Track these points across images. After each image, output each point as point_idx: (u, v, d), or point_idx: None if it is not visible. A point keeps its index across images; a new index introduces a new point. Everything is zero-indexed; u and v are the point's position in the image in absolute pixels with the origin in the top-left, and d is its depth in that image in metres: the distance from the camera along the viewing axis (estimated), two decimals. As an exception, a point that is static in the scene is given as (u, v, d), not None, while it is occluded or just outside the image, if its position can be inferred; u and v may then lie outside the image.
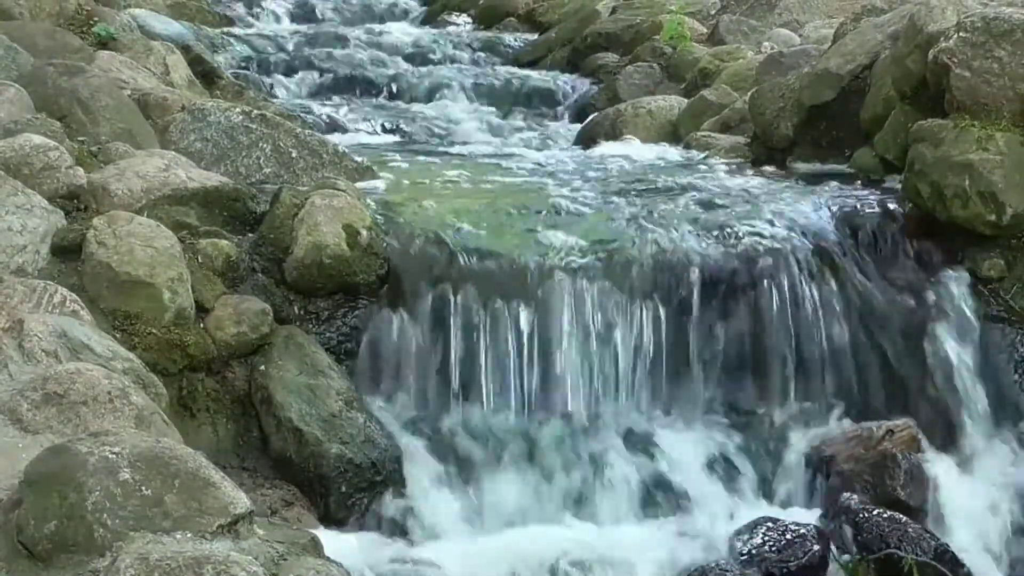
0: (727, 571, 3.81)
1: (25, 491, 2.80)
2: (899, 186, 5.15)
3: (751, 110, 6.23)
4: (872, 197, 5.18)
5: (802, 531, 3.96)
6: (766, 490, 4.42)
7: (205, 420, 4.16)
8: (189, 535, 2.74)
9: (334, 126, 7.46)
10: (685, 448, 4.44)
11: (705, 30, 9.02)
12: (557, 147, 7.06)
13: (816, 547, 3.91)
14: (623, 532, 4.13)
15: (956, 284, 4.81)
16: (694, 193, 5.26)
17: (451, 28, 11.12)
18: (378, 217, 4.68)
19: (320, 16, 11.32)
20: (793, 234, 4.83)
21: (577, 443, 4.38)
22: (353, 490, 4.05)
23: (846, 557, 4.01)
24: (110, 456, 2.81)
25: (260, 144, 5.32)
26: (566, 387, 4.47)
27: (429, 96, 8.50)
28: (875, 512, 4.11)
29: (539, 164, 6.09)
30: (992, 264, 4.82)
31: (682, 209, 5.01)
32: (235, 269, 4.40)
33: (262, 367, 4.21)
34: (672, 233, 4.77)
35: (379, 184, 5.32)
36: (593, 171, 5.84)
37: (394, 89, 8.63)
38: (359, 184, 5.05)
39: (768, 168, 5.89)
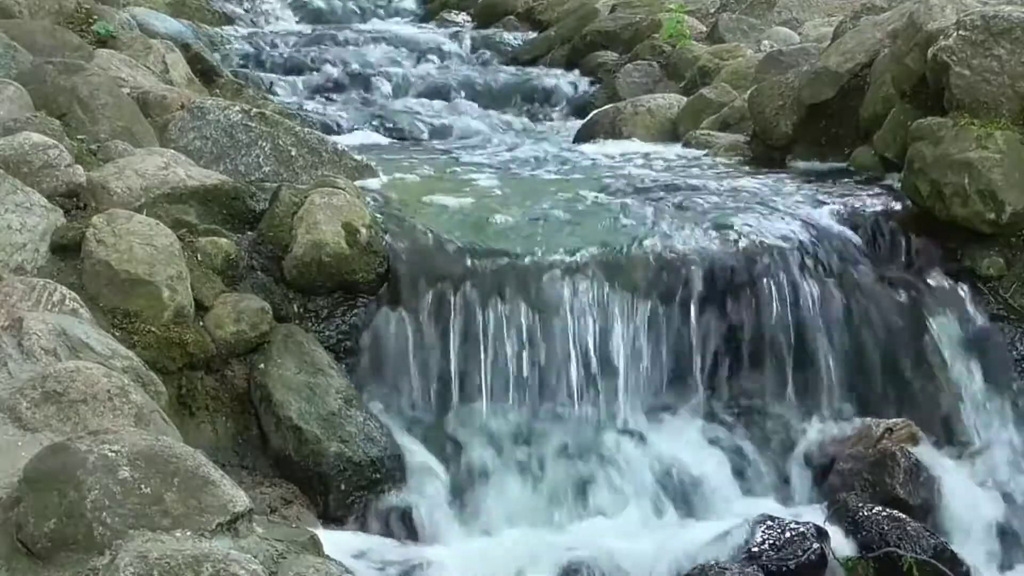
0: (726, 569, 3.81)
1: (24, 489, 2.80)
2: (898, 184, 5.15)
3: (750, 108, 6.23)
4: (871, 195, 5.18)
5: (801, 529, 3.96)
6: (765, 488, 4.42)
7: (204, 418, 4.16)
8: (188, 533, 2.74)
9: (333, 124, 7.46)
10: (685, 447, 4.44)
11: (704, 28, 9.03)
12: (556, 145, 7.06)
13: (815, 545, 3.91)
14: (623, 531, 4.13)
15: (955, 282, 4.81)
16: (693, 191, 5.26)
17: (450, 27, 11.11)
18: (378, 215, 4.68)
19: (319, 14, 11.32)
20: (792, 232, 4.83)
21: (577, 442, 4.38)
22: (352, 488, 4.05)
23: (845, 555, 4.01)
24: (109, 454, 2.81)
25: (259, 142, 5.32)
26: (566, 386, 4.47)
27: (428, 94, 8.51)
28: (874, 510, 4.11)
29: (538, 162, 6.09)
30: (991, 262, 4.82)
31: (681, 207, 5.01)
32: (234, 267, 4.40)
33: (261, 365, 4.21)
34: (672, 231, 4.77)
35: (378, 182, 5.32)
36: (592, 169, 5.84)
37: (393, 87, 8.64)
38: (358, 182, 5.04)
39: (767, 166, 5.89)
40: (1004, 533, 4.37)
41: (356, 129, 7.55)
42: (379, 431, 4.16)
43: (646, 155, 6.30)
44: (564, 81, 8.81)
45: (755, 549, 3.90)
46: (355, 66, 8.92)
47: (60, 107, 5.07)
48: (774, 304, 4.65)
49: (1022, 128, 4.82)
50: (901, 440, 4.41)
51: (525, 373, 4.45)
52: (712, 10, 9.57)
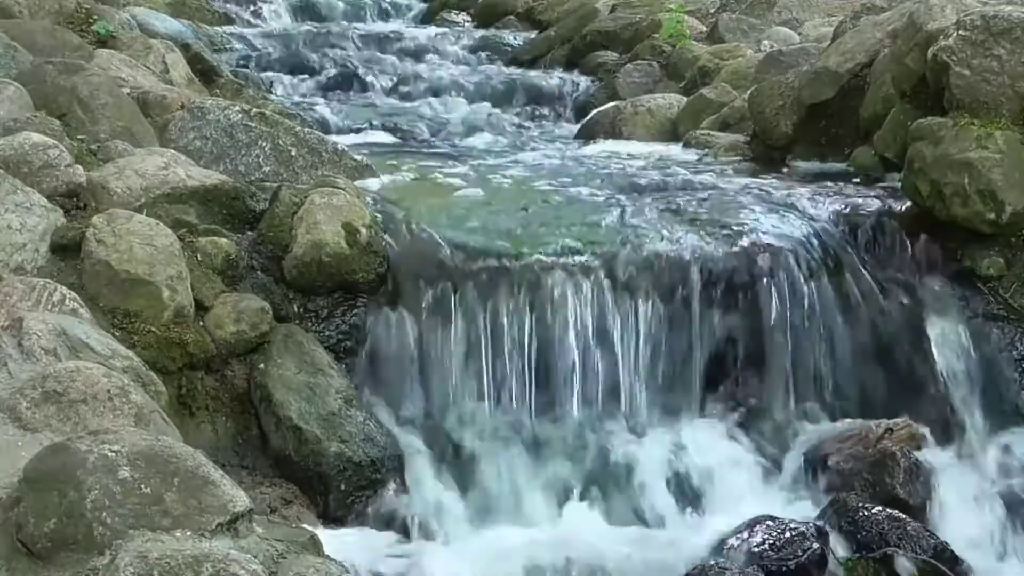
0: (726, 569, 3.81)
1: (24, 489, 2.80)
2: (898, 184, 5.15)
3: (750, 108, 6.23)
4: (871, 195, 5.19)
5: (801, 529, 3.96)
6: (765, 488, 4.42)
7: (204, 418, 4.16)
8: (188, 533, 2.74)
9: (333, 124, 7.46)
10: (684, 447, 4.44)
11: (704, 28, 9.03)
12: (556, 145, 7.06)
13: (815, 545, 3.91)
14: (622, 530, 4.13)
15: (955, 282, 4.81)
16: (694, 191, 5.26)
17: (450, 26, 11.11)
18: (377, 215, 4.68)
19: (319, 14, 11.32)
20: (792, 233, 4.83)
21: (577, 442, 4.38)
22: (352, 488, 4.05)
23: (845, 555, 4.01)
24: (109, 454, 2.81)
25: (259, 142, 5.32)
26: (566, 386, 4.47)
27: (428, 94, 8.50)
28: (874, 510, 4.11)
29: (538, 163, 6.09)
30: (991, 262, 4.82)
31: (682, 207, 5.01)
32: (234, 267, 4.40)
33: (261, 365, 4.21)
34: (672, 232, 4.77)
35: (378, 182, 5.32)
36: (593, 170, 5.84)
37: (393, 87, 8.64)
38: (358, 182, 5.04)
39: (767, 166, 5.89)
40: (1004, 533, 4.37)
41: (356, 129, 7.54)
42: (379, 431, 4.16)
43: (646, 155, 6.30)
44: (564, 81, 8.81)
45: (755, 549, 3.91)
46: (355, 66, 8.92)
47: (60, 107, 5.07)
48: (774, 304, 4.65)
49: (1022, 128, 4.82)
50: (901, 440, 4.41)
51: (525, 373, 4.45)
52: (712, 10, 9.56)
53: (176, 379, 4.11)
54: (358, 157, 5.51)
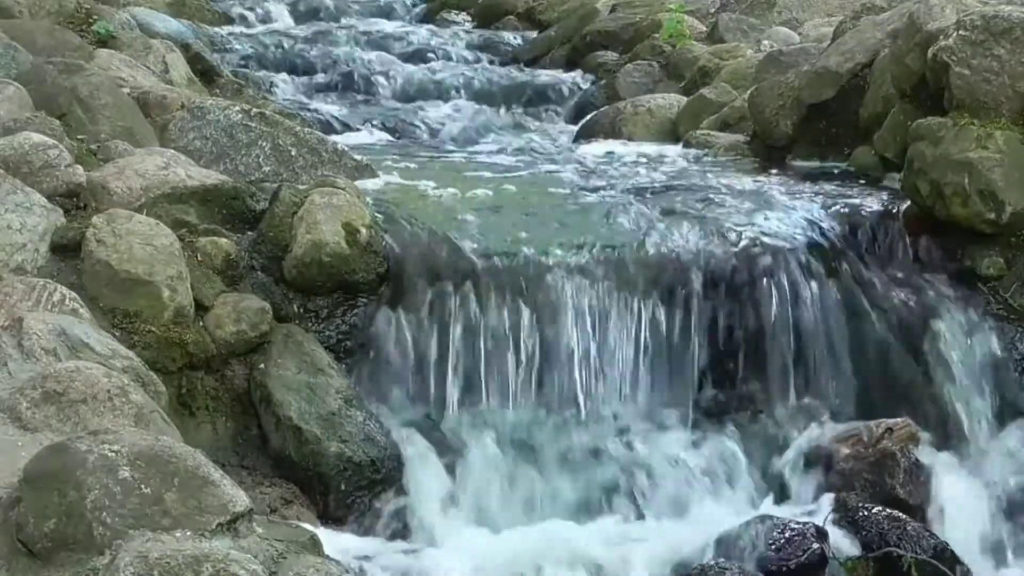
0: (726, 569, 3.81)
1: (24, 489, 2.80)
2: (898, 184, 5.15)
3: (750, 108, 6.23)
4: (871, 195, 5.19)
5: (801, 529, 3.96)
6: (766, 488, 4.43)
7: (204, 418, 4.16)
8: (188, 533, 2.74)
9: (333, 124, 7.46)
10: (685, 446, 4.44)
11: (704, 28, 9.02)
12: (556, 145, 7.06)
13: (815, 545, 3.91)
14: (623, 530, 4.13)
15: (955, 282, 4.81)
16: (694, 191, 5.26)
17: (450, 26, 11.11)
18: (377, 215, 4.68)
19: (319, 14, 11.31)
20: (793, 232, 4.83)
21: (577, 442, 4.38)
22: (352, 488, 4.05)
23: (845, 555, 4.01)
24: (109, 454, 2.81)
25: (259, 142, 5.32)
26: (566, 386, 4.47)
27: (428, 94, 8.49)
28: (874, 510, 4.11)
29: (538, 163, 6.08)
30: (991, 262, 4.82)
31: (682, 207, 5.01)
32: (234, 267, 4.40)
33: (261, 365, 4.21)
34: (672, 232, 4.77)
35: (378, 182, 5.32)
36: (593, 170, 5.83)
37: (393, 87, 8.63)
38: (358, 182, 5.04)
39: (767, 166, 5.89)
40: (1003, 533, 4.37)
41: (356, 129, 7.54)
42: (379, 431, 4.16)
43: (646, 155, 6.29)
44: (564, 81, 8.80)
45: (755, 549, 3.91)
46: (355, 66, 8.91)
47: (60, 107, 5.07)
48: (774, 304, 4.65)
49: (1022, 128, 4.82)
50: (901, 440, 4.41)
51: (524, 373, 4.45)
52: (712, 10, 9.55)
53: (176, 379, 4.11)
54: (358, 157, 5.51)
